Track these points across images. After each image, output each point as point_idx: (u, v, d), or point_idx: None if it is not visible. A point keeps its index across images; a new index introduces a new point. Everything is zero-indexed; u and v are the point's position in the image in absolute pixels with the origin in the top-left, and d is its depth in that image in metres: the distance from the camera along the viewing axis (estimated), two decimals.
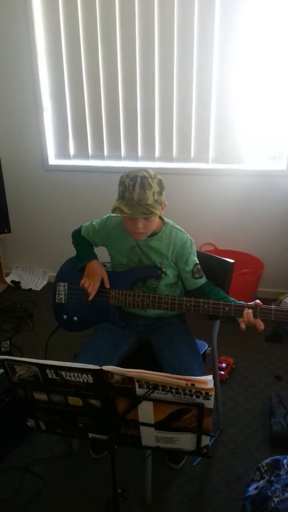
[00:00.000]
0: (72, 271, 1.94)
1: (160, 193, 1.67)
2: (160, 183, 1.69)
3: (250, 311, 1.65)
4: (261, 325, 1.66)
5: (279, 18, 2.79)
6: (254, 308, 1.66)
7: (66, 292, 1.95)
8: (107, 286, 1.86)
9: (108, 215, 1.89)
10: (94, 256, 1.94)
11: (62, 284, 1.97)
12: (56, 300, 1.97)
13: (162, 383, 1.19)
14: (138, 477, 1.91)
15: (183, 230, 1.86)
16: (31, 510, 1.87)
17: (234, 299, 1.75)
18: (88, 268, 1.89)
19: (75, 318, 1.94)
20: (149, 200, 1.63)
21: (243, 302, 1.71)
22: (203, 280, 1.85)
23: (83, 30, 3.09)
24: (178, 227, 1.86)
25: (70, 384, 1.26)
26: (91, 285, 1.85)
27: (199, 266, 1.84)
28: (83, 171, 3.44)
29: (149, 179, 1.64)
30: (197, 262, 1.85)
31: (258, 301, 1.69)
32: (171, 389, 1.19)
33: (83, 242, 1.98)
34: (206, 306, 1.72)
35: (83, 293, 1.87)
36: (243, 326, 1.67)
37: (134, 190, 1.62)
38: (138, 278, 1.86)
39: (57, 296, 1.97)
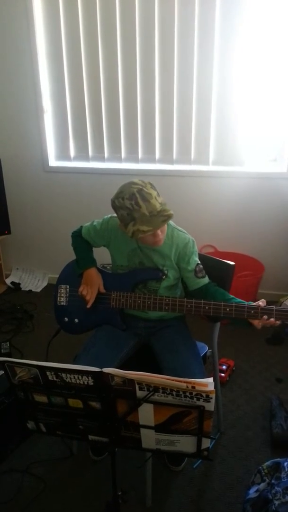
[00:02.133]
0: (74, 274, 1.94)
1: (158, 195, 1.67)
2: (153, 186, 1.68)
3: (266, 317, 1.65)
4: (275, 322, 1.66)
5: (279, 20, 2.80)
6: (255, 309, 1.66)
7: (67, 294, 1.96)
8: (102, 291, 1.88)
9: (110, 215, 1.89)
10: (92, 263, 1.94)
11: (63, 286, 1.97)
12: (58, 303, 1.97)
13: (163, 385, 1.18)
14: (138, 479, 1.91)
15: (184, 231, 1.86)
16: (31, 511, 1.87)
17: (241, 300, 1.74)
18: (85, 276, 1.90)
19: (76, 320, 1.95)
20: (158, 207, 1.63)
21: (250, 303, 1.71)
22: (206, 279, 1.84)
23: (83, 32, 3.10)
24: (180, 228, 1.86)
25: (70, 386, 1.26)
26: (89, 293, 1.86)
27: (201, 266, 1.84)
28: (83, 173, 3.44)
29: (144, 188, 1.63)
30: (199, 262, 1.85)
31: (263, 300, 1.69)
32: (171, 392, 1.19)
33: (82, 246, 1.97)
34: (207, 307, 1.71)
35: (83, 298, 1.88)
36: (259, 326, 1.68)
37: (141, 207, 1.60)
38: (139, 280, 1.86)
39: (58, 298, 1.97)
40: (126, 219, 1.64)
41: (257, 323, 1.67)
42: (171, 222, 1.86)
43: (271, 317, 1.65)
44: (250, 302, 1.73)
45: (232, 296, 1.79)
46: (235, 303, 1.70)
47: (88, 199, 3.48)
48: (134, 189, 1.62)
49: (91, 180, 3.44)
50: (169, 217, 1.64)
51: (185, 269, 1.84)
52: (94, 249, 2.00)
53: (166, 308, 1.77)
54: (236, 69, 2.96)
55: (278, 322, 1.66)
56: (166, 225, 1.74)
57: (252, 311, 1.66)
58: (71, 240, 2.01)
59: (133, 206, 1.60)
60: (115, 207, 1.68)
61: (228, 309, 1.69)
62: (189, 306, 1.74)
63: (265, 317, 1.65)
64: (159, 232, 1.69)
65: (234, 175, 3.18)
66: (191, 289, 1.87)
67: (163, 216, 1.63)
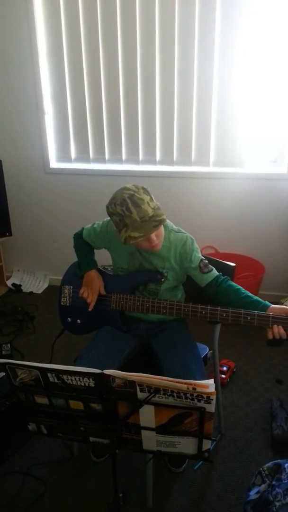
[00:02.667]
0: (77, 275, 1.95)
1: (151, 199, 1.65)
2: (146, 191, 1.66)
3: (281, 328, 1.62)
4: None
5: (279, 21, 2.80)
6: (252, 315, 1.64)
7: (71, 295, 1.97)
8: (103, 293, 1.88)
9: (109, 218, 1.89)
10: (93, 265, 1.94)
11: (67, 287, 1.98)
12: (61, 303, 1.99)
13: (163, 387, 1.18)
14: (139, 481, 1.91)
15: (182, 230, 1.85)
16: None
17: (258, 298, 1.70)
18: (86, 278, 1.90)
19: (78, 321, 1.95)
20: (150, 213, 1.61)
21: (268, 305, 1.67)
22: (214, 273, 1.79)
23: (84, 34, 3.11)
24: (176, 228, 1.85)
25: (71, 388, 1.26)
26: (89, 295, 1.86)
27: (205, 261, 1.81)
28: (84, 175, 3.45)
29: (136, 194, 1.62)
30: (203, 258, 1.82)
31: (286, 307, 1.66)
32: (172, 393, 1.19)
33: (84, 248, 1.98)
34: (203, 312, 1.71)
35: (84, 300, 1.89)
36: (270, 336, 1.64)
37: (132, 213, 1.60)
38: (138, 283, 1.86)
39: (62, 299, 1.98)
40: (119, 225, 1.64)
41: (270, 334, 1.64)
42: (168, 224, 1.85)
43: (268, 325, 1.63)
44: (266, 301, 1.69)
45: (246, 293, 1.74)
46: (232, 309, 1.67)
47: (88, 201, 3.48)
48: (126, 195, 1.61)
49: (92, 182, 3.44)
50: (160, 222, 1.63)
51: (190, 267, 1.81)
52: (95, 250, 2.01)
53: (164, 311, 1.77)
54: (236, 70, 2.97)
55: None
56: (162, 229, 1.73)
57: (249, 317, 1.64)
58: (73, 242, 2.02)
59: (124, 212, 1.60)
60: (109, 213, 1.68)
61: (224, 315, 1.68)
62: (186, 310, 1.73)
63: (277, 330, 1.62)
64: (153, 237, 1.66)
65: (234, 176, 3.18)
66: (202, 286, 1.82)
67: (154, 221, 1.61)
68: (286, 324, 1.61)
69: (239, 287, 1.76)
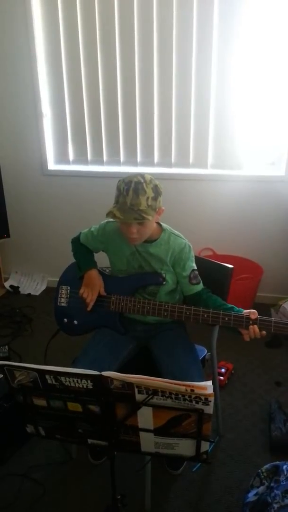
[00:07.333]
0: (75, 275, 1.95)
1: (155, 198, 1.67)
2: (156, 189, 1.68)
3: (256, 327, 1.65)
4: (264, 334, 1.67)
5: (278, 23, 2.81)
6: (254, 320, 1.66)
7: (68, 295, 1.96)
8: (103, 293, 1.87)
9: (106, 220, 1.90)
10: (93, 265, 1.94)
11: (64, 287, 1.98)
12: (58, 303, 1.98)
13: (162, 388, 1.18)
14: (137, 483, 1.91)
15: (181, 235, 1.87)
16: None
17: (232, 306, 1.75)
18: (86, 278, 1.90)
19: (75, 322, 1.95)
20: (141, 206, 1.63)
21: (242, 311, 1.70)
22: (200, 286, 1.84)
23: (82, 37, 3.11)
24: (177, 232, 1.87)
25: (69, 390, 1.26)
26: (89, 295, 1.86)
27: (196, 272, 1.84)
28: (82, 176, 3.45)
29: (144, 184, 1.64)
30: (195, 268, 1.84)
31: (253, 311, 1.69)
32: (170, 395, 1.19)
33: (82, 250, 1.98)
34: (205, 316, 1.71)
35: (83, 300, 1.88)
36: (247, 339, 1.67)
37: (128, 195, 1.63)
38: (140, 285, 1.86)
39: (59, 299, 1.98)
40: (115, 199, 1.69)
41: (245, 335, 1.68)
42: (167, 228, 1.86)
43: (270, 330, 1.65)
44: (240, 309, 1.73)
45: (223, 302, 1.79)
46: (234, 313, 1.69)
47: (87, 203, 3.48)
48: (135, 180, 1.65)
49: (90, 184, 3.44)
50: (143, 219, 1.64)
51: (180, 274, 1.84)
52: (94, 255, 2.01)
53: (165, 314, 1.77)
54: (234, 72, 2.97)
55: (264, 333, 1.66)
56: (147, 230, 1.73)
57: (251, 321, 1.66)
58: (71, 247, 2.02)
59: (123, 192, 1.64)
60: (116, 186, 1.71)
61: (227, 319, 1.69)
62: (188, 313, 1.74)
63: (253, 332, 1.65)
64: (133, 229, 1.68)
65: (232, 178, 3.19)
66: (185, 294, 1.88)
67: (138, 215, 1.63)
68: (285, 328, 1.64)
69: (217, 297, 1.81)
